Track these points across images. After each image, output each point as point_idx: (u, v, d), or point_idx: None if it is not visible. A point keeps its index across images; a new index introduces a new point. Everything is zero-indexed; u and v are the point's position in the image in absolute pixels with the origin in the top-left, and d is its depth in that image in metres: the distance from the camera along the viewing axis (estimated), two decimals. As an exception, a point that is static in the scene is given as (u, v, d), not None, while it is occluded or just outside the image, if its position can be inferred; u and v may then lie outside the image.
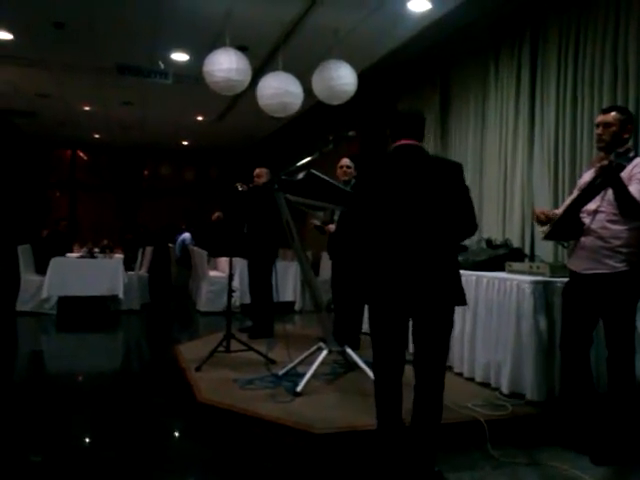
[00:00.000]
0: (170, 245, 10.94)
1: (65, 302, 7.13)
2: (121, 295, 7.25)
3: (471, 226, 2.54)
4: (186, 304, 8.61)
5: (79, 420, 3.44)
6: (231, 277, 4.88)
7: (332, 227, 4.85)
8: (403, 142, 2.60)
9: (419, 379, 2.49)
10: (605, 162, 2.63)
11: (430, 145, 6.59)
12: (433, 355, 2.49)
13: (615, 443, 2.77)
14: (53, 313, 7.07)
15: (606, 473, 2.68)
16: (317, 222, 5.00)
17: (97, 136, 12.04)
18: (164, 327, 7.20)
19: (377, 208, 2.55)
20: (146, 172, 13.95)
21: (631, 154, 2.80)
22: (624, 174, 2.72)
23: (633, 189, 2.67)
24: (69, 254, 8.08)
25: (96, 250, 7.90)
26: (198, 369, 4.12)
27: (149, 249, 8.56)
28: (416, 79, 6.92)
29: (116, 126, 10.74)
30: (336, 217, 4.86)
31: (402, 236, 2.46)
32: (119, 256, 7.99)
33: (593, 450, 2.80)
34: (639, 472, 2.66)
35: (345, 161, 4.88)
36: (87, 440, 3.19)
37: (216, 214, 5.47)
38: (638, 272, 2.80)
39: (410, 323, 2.54)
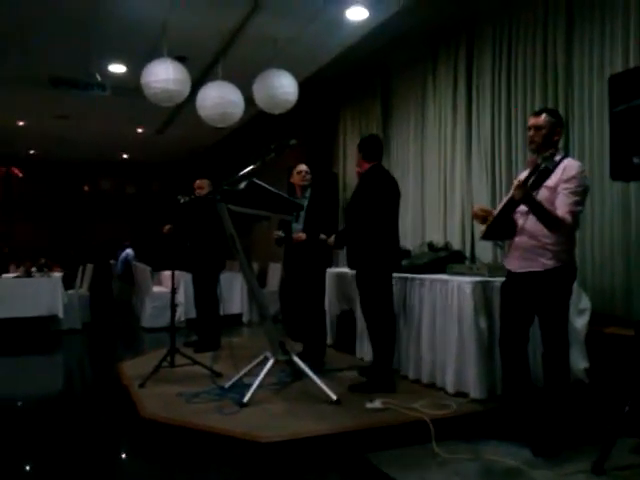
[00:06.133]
0: (111, 261, 10.65)
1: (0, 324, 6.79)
2: (61, 315, 6.98)
3: None
4: (129, 321, 8.36)
5: (19, 442, 3.28)
6: (174, 291, 4.78)
7: (303, 235, 4.50)
8: (377, 162, 4.03)
9: None
10: (520, 180, 2.78)
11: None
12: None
13: (553, 435, 2.86)
14: (-13, 336, 6.72)
15: (546, 463, 2.75)
16: (280, 234, 4.68)
17: (32, 152, 11.63)
18: (107, 345, 6.97)
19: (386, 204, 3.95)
20: (86, 187, 13.54)
21: (557, 157, 2.91)
22: (553, 177, 2.84)
23: (558, 202, 2.78)
24: (4, 275, 7.72)
25: (33, 269, 7.58)
26: (142, 385, 4.01)
27: (90, 266, 8.29)
28: (357, 88, 7.01)
29: (52, 141, 10.41)
30: (297, 225, 4.60)
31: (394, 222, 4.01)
32: (58, 274, 7.70)
33: (533, 442, 2.89)
34: (575, 461, 2.75)
35: (303, 167, 4.74)
36: (30, 461, 3.04)
37: (167, 226, 5.36)
38: (568, 269, 2.91)
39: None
